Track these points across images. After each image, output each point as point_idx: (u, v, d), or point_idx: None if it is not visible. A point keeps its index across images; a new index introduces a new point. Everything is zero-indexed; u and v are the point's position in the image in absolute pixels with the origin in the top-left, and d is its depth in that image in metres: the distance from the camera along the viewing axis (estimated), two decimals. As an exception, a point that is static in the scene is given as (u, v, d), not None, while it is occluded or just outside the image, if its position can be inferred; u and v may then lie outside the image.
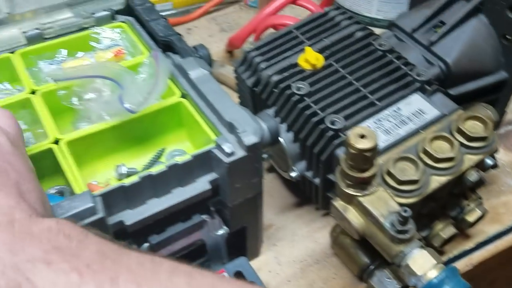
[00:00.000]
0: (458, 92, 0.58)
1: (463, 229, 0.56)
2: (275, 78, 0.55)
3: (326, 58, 0.56)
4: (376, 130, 0.52)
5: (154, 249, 0.47)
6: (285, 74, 0.55)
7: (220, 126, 0.47)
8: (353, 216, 0.47)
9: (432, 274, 0.43)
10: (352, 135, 0.43)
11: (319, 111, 0.52)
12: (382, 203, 0.45)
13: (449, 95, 0.56)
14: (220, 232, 0.50)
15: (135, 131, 0.50)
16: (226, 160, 0.44)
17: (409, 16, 0.61)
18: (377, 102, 0.53)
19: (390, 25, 0.62)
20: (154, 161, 0.50)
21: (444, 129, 0.51)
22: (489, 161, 0.52)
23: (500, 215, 0.60)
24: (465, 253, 0.57)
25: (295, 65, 0.56)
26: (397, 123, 0.52)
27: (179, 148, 0.52)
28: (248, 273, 0.51)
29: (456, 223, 0.55)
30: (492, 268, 0.62)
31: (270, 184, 0.63)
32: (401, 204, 0.46)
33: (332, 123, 0.51)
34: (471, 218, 0.54)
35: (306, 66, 0.55)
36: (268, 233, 0.58)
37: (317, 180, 0.55)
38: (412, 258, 0.44)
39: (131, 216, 0.44)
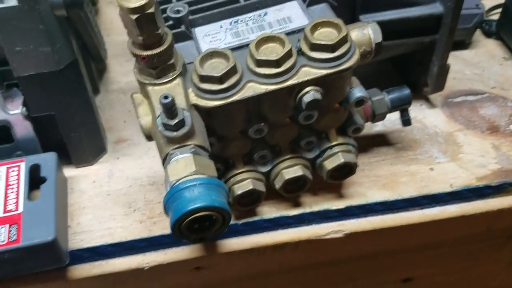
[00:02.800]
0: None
1: (329, 182, 0.44)
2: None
3: None
4: (227, 31, 0.42)
5: None
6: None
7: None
8: (143, 112, 0.38)
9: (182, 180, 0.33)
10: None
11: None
12: (168, 96, 0.36)
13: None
14: (14, 111, 0.43)
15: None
16: None
17: None
18: (241, 0, 0.44)
19: None
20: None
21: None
22: (357, 93, 0.41)
23: (398, 184, 0.47)
24: (332, 214, 0.45)
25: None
26: (254, 28, 0.42)
27: None
28: (46, 168, 0.44)
29: (315, 170, 0.44)
30: (381, 253, 0.49)
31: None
32: (201, 107, 0.37)
33: (177, 11, 0.43)
34: (329, 164, 0.42)
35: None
36: (119, 146, 0.51)
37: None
38: (174, 163, 0.34)
39: None
